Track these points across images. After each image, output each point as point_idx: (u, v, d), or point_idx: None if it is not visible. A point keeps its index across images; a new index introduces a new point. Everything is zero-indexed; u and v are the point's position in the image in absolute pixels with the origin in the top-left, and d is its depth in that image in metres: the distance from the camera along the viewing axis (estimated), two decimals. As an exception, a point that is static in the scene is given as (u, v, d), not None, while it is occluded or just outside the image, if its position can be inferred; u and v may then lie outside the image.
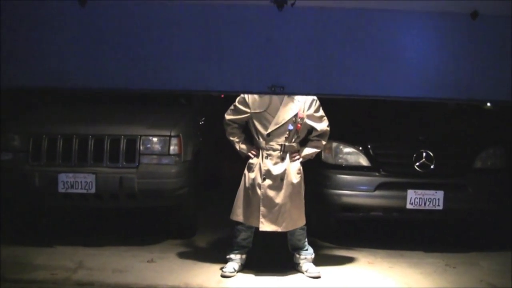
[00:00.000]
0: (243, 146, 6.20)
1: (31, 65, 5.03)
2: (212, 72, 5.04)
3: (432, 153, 6.97)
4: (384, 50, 5.06)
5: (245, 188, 6.11)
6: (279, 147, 6.01)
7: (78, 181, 6.73)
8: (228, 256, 6.28)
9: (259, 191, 6.00)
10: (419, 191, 6.81)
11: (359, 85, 5.12)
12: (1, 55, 4.93)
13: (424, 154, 6.97)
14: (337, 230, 7.59)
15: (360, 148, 7.12)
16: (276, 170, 6.00)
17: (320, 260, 6.48)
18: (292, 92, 5.49)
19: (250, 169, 6.11)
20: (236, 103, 6.18)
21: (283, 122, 5.98)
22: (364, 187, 7.00)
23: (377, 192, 6.94)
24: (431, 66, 5.10)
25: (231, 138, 6.25)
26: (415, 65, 5.11)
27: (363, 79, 5.09)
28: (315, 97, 6.13)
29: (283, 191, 5.99)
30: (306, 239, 6.35)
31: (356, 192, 7.00)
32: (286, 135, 6.00)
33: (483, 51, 5.08)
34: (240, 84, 5.11)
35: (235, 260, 6.26)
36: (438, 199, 6.80)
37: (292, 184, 6.03)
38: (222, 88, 5.20)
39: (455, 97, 5.29)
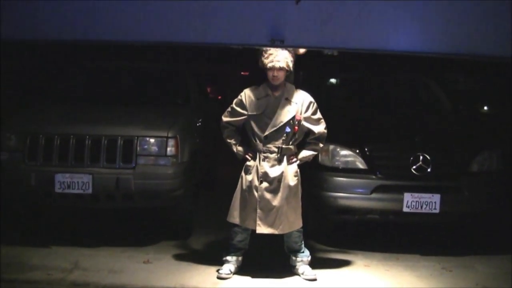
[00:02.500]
0: (240, 148, 6.18)
1: (31, 17, 5.01)
2: (210, 24, 5.02)
3: (429, 156, 6.97)
4: (386, 3, 5.05)
5: (242, 190, 6.10)
6: (276, 150, 6.00)
7: (75, 181, 6.72)
8: (224, 258, 6.28)
9: (256, 194, 5.99)
10: (416, 194, 6.81)
11: (360, 39, 5.13)
12: (1, 7, 4.91)
13: (421, 157, 6.97)
14: (334, 233, 7.59)
15: (357, 150, 7.12)
16: (273, 172, 5.98)
17: (316, 262, 6.48)
18: (292, 44, 5.46)
19: (247, 171, 6.09)
20: (233, 105, 6.17)
21: (280, 125, 5.96)
22: (360, 190, 6.99)
23: (373, 195, 6.94)
24: (432, 21, 5.10)
25: (228, 140, 6.23)
26: (417, 20, 5.10)
27: (364, 32, 5.09)
28: (312, 100, 6.13)
29: (280, 194, 5.98)
30: (303, 242, 6.34)
31: (352, 194, 7.00)
32: (284, 138, 5.99)
33: (484, 7, 5.09)
34: (239, 36, 5.09)
35: (231, 262, 6.26)
36: (435, 202, 6.80)
37: (289, 186, 6.02)
38: (220, 40, 5.19)
39: (455, 52, 5.29)
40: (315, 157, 6.47)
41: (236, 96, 6.21)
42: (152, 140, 6.95)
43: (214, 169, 10.49)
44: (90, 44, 7.88)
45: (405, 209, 6.82)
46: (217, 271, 6.21)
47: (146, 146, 6.93)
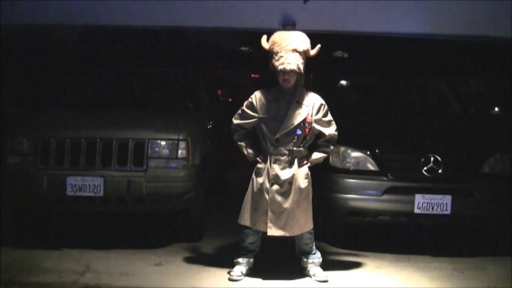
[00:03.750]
0: (251, 151, 6.18)
1: (39, 1, 4.97)
2: (221, 9, 5.01)
3: (440, 158, 6.97)
4: None
5: (253, 193, 6.10)
6: (287, 152, 5.99)
7: (86, 185, 6.75)
8: (235, 260, 6.28)
9: (267, 196, 5.98)
10: (427, 196, 6.81)
11: (370, 22, 5.13)
12: None
13: (432, 158, 6.96)
14: (345, 235, 7.59)
15: (368, 152, 7.12)
16: (284, 175, 5.98)
17: (327, 264, 6.48)
18: (303, 28, 5.45)
19: (258, 174, 6.10)
20: (244, 108, 6.17)
21: (291, 127, 5.95)
22: (371, 192, 6.99)
23: (384, 197, 6.93)
24: (436, 5, 5.10)
25: (239, 143, 6.23)
26: (423, 4, 5.10)
27: (375, 15, 5.09)
28: (323, 102, 6.13)
29: (291, 196, 5.98)
30: (314, 243, 6.34)
31: (363, 196, 6.99)
32: (294, 140, 5.98)
33: None
34: (251, 21, 5.08)
35: (243, 264, 6.26)
36: (446, 203, 6.80)
37: (300, 189, 6.01)
38: (232, 24, 5.18)
39: (455, 33, 5.30)
40: (326, 159, 6.46)
41: (247, 99, 6.21)
42: (163, 143, 6.97)
43: (225, 172, 10.50)
44: (99, 29, 7.89)
45: (416, 211, 6.82)
46: (229, 273, 6.22)
47: (157, 149, 6.95)
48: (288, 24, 5.00)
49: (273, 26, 5.12)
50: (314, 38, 5.83)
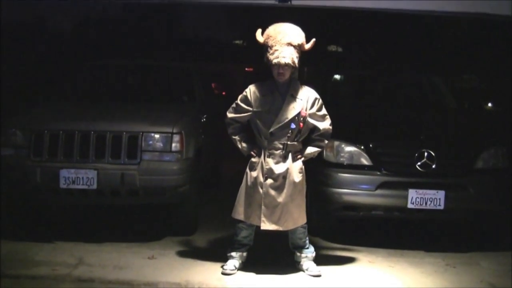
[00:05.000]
0: (245, 145, 6.16)
1: None
2: None
3: (434, 153, 6.97)
4: None
5: (247, 187, 6.09)
6: (281, 146, 5.98)
7: (80, 177, 6.73)
8: (228, 254, 6.28)
9: (260, 190, 5.97)
10: (420, 191, 6.81)
11: None
12: None
13: (425, 153, 6.96)
14: (338, 229, 7.59)
15: (362, 147, 7.12)
16: (278, 169, 5.97)
17: (321, 258, 6.47)
18: (300, 4, 5.38)
19: (252, 168, 6.08)
20: (238, 101, 6.15)
21: (285, 121, 5.94)
22: (365, 186, 6.99)
23: (378, 191, 6.93)
24: None
25: (233, 137, 6.20)
26: None
27: None
28: (317, 96, 6.11)
29: (285, 191, 5.97)
30: (307, 238, 6.34)
31: (357, 191, 6.99)
32: (289, 134, 5.97)
33: None
34: None
35: (236, 257, 6.26)
36: (439, 199, 6.80)
37: (294, 183, 6.00)
38: None
39: (452, 10, 5.26)
40: (320, 153, 6.45)
41: (241, 92, 6.19)
42: (157, 136, 6.95)
43: (219, 165, 10.50)
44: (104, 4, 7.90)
45: (409, 206, 6.82)
46: (222, 267, 6.21)
47: (151, 142, 6.93)
48: (285, 0, 4.94)
49: (269, 1, 5.05)
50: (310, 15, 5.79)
